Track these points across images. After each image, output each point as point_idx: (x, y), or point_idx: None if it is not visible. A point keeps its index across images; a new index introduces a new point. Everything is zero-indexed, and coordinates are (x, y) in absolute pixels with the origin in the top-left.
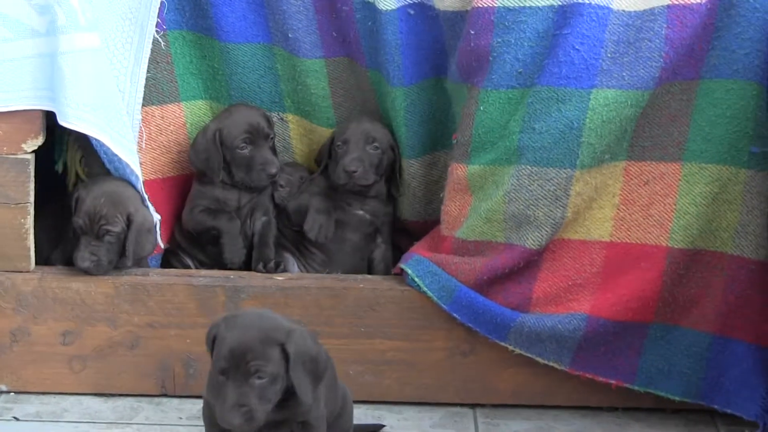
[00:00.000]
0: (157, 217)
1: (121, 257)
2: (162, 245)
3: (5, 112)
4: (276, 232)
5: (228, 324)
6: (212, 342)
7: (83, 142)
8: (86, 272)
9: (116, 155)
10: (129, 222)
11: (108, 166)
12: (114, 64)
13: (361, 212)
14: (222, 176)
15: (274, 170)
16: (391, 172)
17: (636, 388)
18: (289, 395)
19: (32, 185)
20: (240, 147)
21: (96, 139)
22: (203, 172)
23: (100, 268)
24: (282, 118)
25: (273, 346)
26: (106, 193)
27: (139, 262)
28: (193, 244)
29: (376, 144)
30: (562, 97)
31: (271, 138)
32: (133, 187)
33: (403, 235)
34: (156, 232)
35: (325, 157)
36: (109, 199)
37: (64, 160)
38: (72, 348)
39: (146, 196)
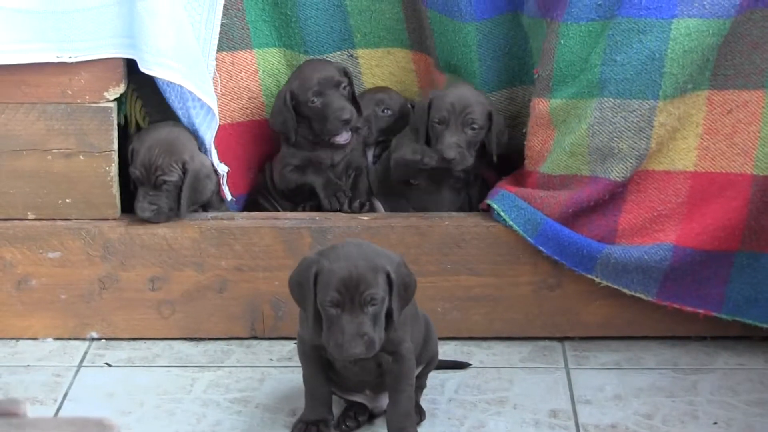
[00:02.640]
0: (224, 169)
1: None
2: (228, 195)
3: (86, 60)
4: (367, 183)
5: (329, 257)
6: (314, 278)
7: (142, 91)
8: (148, 221)
9: (187, 104)
10: (185, 170)
11: (178, 113)
12: (189, 11)
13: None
14: (297, 137)
15: (346, 116)
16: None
17: (723, 316)
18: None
19: (115, 133)
20: (311, 101)
21: (166, 89)
22: (285, 134)
23: (161, 215)
24: (352, 56)
25: (380, 273)
26: (160, 143)
27: (210, 204)
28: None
29: (474, 125)
30: (643, 28)
31: (344, 86)
32: (191, 133)
33: (487, 170)
34: (215, 176)
35: (423, 129)
36: (163, 148)
37: (124, 113)
38: (160, 293)
39: (210, 147)
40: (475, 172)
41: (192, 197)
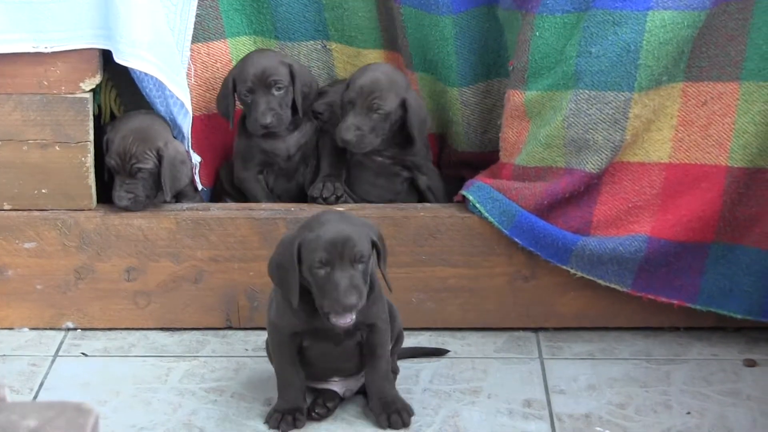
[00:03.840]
0: (197, 159)
1: (159, 190)
2: (199, 184)
3: (62, 51)
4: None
5: (311, 228)
6: (297, 251)
7: (117, 81)
8: (126, 210)
9: (166, 93)
10: (160, 156)
11: (155, 102)
12: (164, 1)
13: (380, 158)
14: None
15: (264, 121)
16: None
17: (698, 307)
18: None
19: (91, 124)
20: (244, 95)
21: (143, 78)
22: (227, 119)
23: (139, 204)
24: (326, 47)
25: (365, 237)
26: (133, 131)
27: (183, 194)
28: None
29: (380, 110)
30: (618, 20)
31: (280, 86)
32: (165, 120)
33: (465, 167)
34: (191, 164)
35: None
36: (137, 136)
37: (98, 102)
38: (136, 284)
39: (188, 137)
40: (400, 159)
41: (170, 184)
